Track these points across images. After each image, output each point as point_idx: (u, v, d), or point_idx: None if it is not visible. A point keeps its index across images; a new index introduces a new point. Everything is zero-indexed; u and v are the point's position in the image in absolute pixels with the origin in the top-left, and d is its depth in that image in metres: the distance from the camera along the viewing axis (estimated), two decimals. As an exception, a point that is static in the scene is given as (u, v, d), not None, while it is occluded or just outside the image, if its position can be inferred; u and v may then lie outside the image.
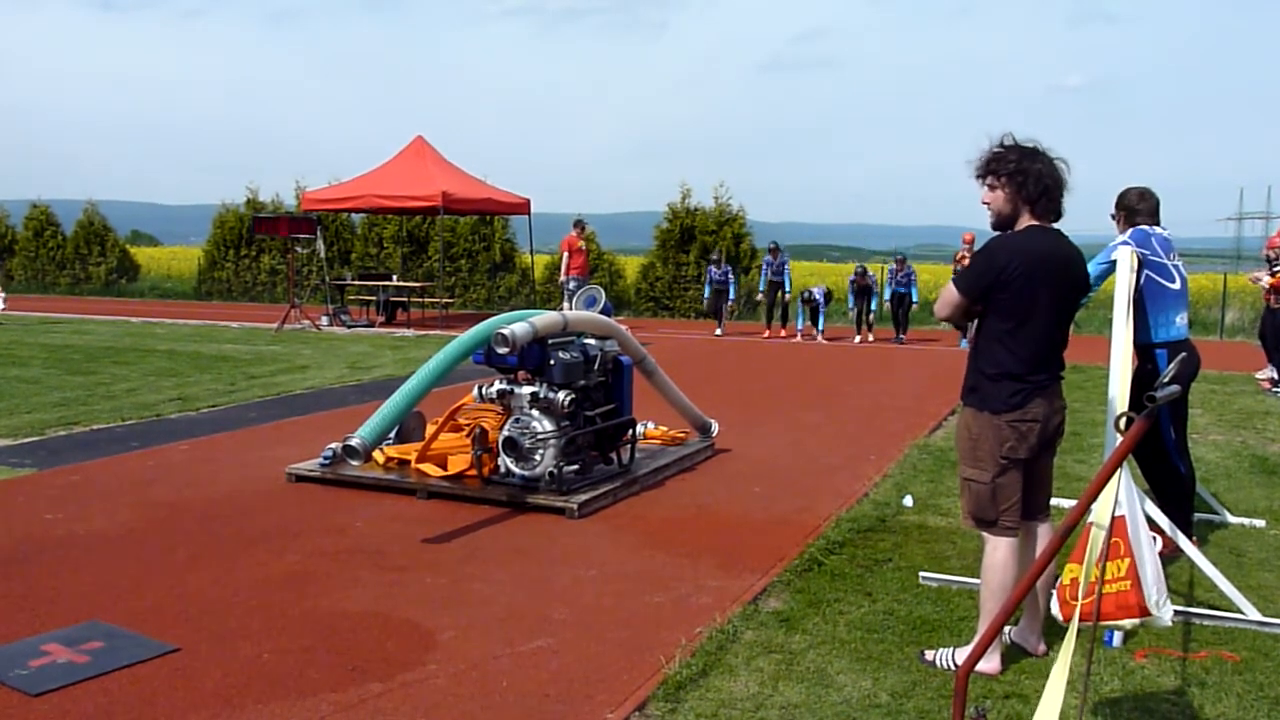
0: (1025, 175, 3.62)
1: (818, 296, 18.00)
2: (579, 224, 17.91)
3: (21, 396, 9.82)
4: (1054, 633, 3.83)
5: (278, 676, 3.70)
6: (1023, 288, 3.57)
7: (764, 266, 18.81)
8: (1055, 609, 3.32)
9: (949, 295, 3.73)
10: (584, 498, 5.96)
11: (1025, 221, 3.67)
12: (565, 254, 17.44)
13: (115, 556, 5.06)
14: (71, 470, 6.87)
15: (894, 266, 18.03)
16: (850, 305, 18.37)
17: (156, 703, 3.48)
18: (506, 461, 6.13)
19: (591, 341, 6.62)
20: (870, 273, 18.41)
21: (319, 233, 18.86)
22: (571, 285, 16.63)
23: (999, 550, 3.73)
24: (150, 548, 5.21)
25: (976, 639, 2.55)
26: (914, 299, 17.80)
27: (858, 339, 17.97)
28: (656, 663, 3.82)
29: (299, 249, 20.45)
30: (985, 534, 3.79)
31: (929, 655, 3.87)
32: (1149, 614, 3.16)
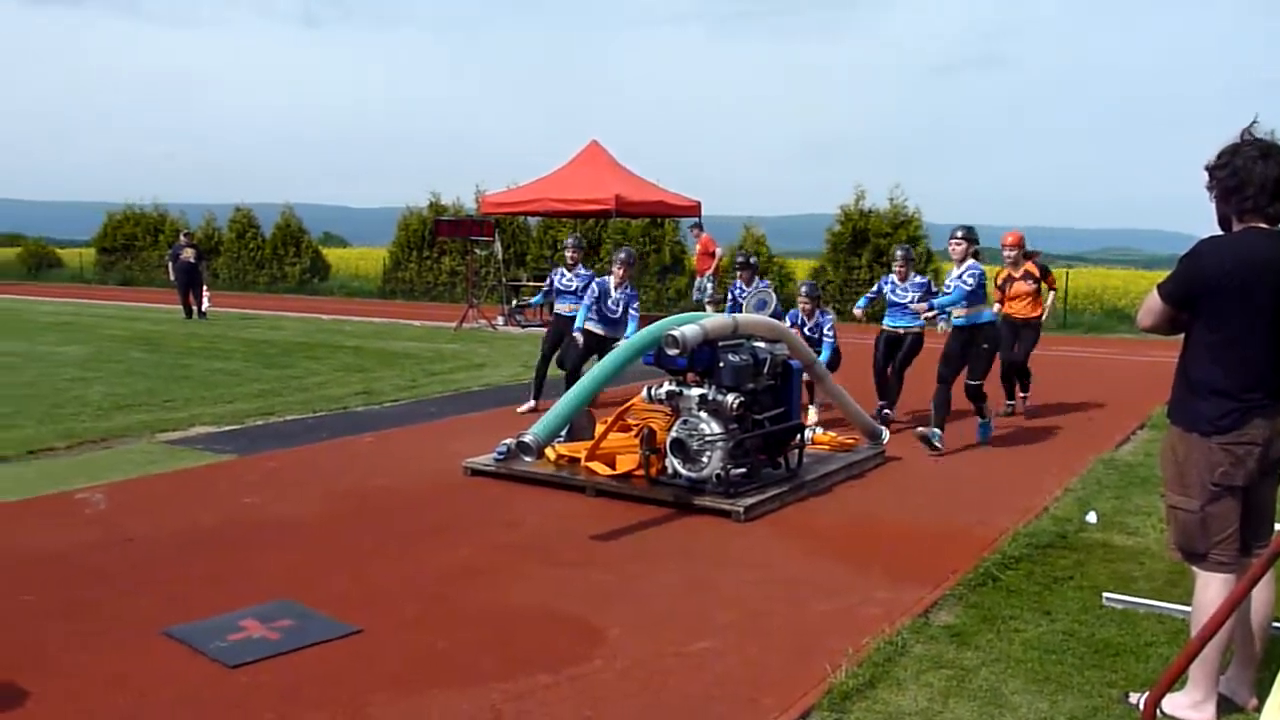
0: (1218, 171, 3.32)
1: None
2: (699, 226, 19.07)
3: (224, 387, 10.53)
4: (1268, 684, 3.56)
5: (452, 664, 3.84)
6: (1233, 294, 3.23)
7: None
8: None
9: (1150, 302, 3.43)
10: (750, 501, 5.94)
11: (1238, 223, 3.33)
12: (704, 252, 18.37)
13: (306, 541, 5.37)
14: (268, 458, 7.33)
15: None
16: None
17: (342, 681, 3.67)
18: (674, 463, 6.17)
19: (761, 345, 6.59)
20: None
21: (496, 235, 19.44)
22: (707, 284, 17.64)
23: (1210, 588, 3.34)
24: (337, 534, 5.50)
25: (1168, 670, 2.40)
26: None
27: None
28: (822, 671, 3.77)
29: (477, 251, 21.10)
30: (1195, 569, 3.43)
31: (1133, 698, 3.54)
32: None
